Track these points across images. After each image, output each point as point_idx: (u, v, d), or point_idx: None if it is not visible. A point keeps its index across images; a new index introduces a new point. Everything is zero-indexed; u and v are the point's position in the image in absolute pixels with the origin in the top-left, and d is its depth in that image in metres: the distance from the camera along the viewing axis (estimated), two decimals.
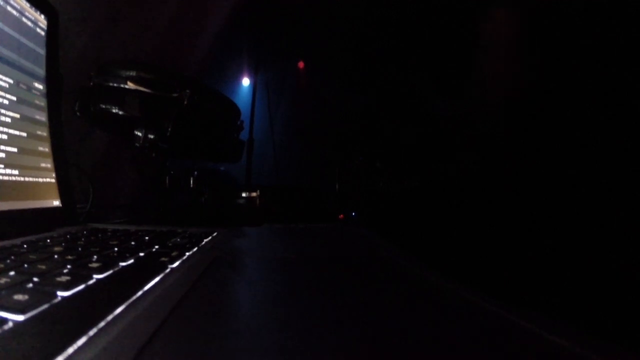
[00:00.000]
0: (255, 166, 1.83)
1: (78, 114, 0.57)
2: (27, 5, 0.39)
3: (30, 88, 0.38)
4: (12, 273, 0.19)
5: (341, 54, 1.81)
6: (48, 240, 0.30)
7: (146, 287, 0.19)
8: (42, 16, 0.41)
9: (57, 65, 0.43)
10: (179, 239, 0.36)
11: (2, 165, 0.33)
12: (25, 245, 0.27)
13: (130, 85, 0.55)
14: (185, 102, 0.57)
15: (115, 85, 0.55)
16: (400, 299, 0.21)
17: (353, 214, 1.11)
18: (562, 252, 0.56)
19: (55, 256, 0.24)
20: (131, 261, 0.24)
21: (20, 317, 0.14)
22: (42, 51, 0.41)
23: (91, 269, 0.21)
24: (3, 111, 0.34)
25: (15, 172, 0.35)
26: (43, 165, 0.40)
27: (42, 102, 0.40)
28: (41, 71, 0.41)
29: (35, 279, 0.18)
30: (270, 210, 0.98)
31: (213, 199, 0.83)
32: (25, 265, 0.21)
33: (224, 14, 1.13)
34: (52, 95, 0.42)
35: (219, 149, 0.81)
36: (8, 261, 0.22)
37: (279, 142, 2.23)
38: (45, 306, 0.15)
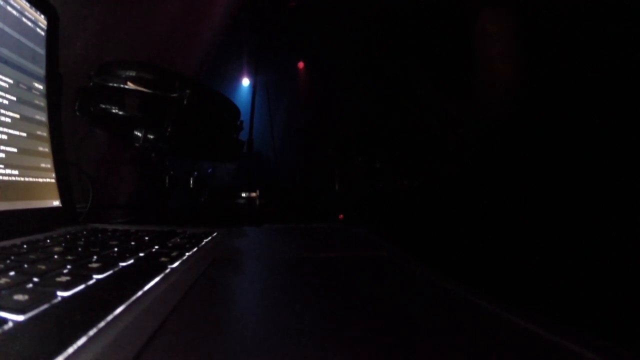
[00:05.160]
0: (255, 166, 1.83)
1: (78, 114, 0.57)
2: (27, 5, 0.39)
3: (30, 88, 0.38)
4: (12, 273, 0.19)
5: (341, 54, 1.81)
6: (48, 241, 0.30)
7: (146, 288, 0.19)
8: (42, 16, 0.41)
9: (57, 65, 0.43)
10: (178, 239, 0.35)
11: (2, 166, 0.33)
12: (25, 245, 0.27)
13: (130, 85, 0.55)
14: (185, 102, 0.57)
15: (115, 85, 0.55)
16: (400, 298, 0.21)
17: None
18: (562, 252, 0.56)
19: (55, 256, 0.24)
20: (131, 261, 0.24)
21: (20, 317, 0.14)
22: (42, 51, 0.41)
23: (91, 269, 0.21)
24: (3, 111, 0.34)
25: (15, 172, 0.35)
26: (43, 165, 0.40)
27: (42, 102, 0.40)
28: (41, 71, 0.41)
29: (35, 279, 0.18)
30: (270, 210, 0.98)
31: (213, 199, 0.83)
32: (25, 266, 0.21)
33: (224, 14, 1.13)
34: (52, 95, 0.42)
35: (219, 149, 0.81)
36: (8, 261, 0.22)
37: (279, 142, 2.23)
38: (45, 306, 0.15)
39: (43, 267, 0.21)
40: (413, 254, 0.32)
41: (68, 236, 0.34)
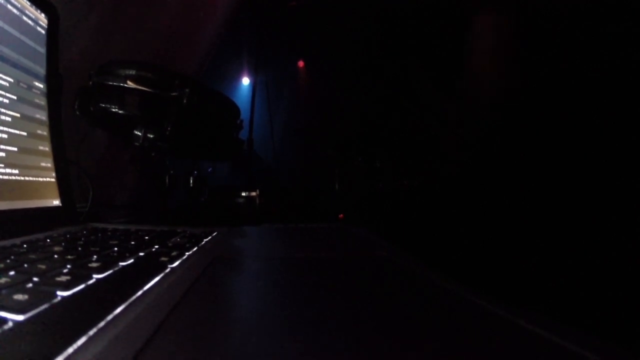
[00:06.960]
0: (255, 166, 1.83)
1: (78, 113, 0.56)
2: (27, 4, 0.38)
3: (30, 87, 0.38)
4: (12, 273, 0.19)
5: (341, 53, 1.81)
6: (48, 240, 0.30)
7: (146, 287, 0.19)
8: (43, 15, 0.41)
9: (57, 64, 0.43)
10: (178, 239, 0.35)
11: (2, 165, 0.33)
12: (25, 245, 0.27)
13: (130, 84, 0.55)
14: (185, 102, 0.57)
15: (115, 84, 0.55)
16: (400, 298, 0.21)
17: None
18: (562, 252, 0.56)
19: (55, 256, 0.24)
20: (131, 261, 0.24)
21: (20, 317, 0.14)
22: (42, 50, 0.41)
23: (91, 269, 0.21)
24: (3, 110, 0.34)
25: (16, 171, 0.35)
26: (43, 164, 0.40)
27: (42, 101, 0.40)
28: (41, 70, 0.41)
29: (35, 279, 0.18)
30: (270, 210, 0.98)
31: (213, 198, 0.83)
32: (25, 265, 0.21)
33: (224, 14, 1.13)
34: (52, 94, 0.42)
35: (219, 148, 0.81)
36: (8, 261, 0.22)
37: (278, 142, 2.23)
38: (45, 306, 0.15)
39: (43, 266, 0.21)
40: (413, 254, 0.32)
41: (68, 236, 0.34)
